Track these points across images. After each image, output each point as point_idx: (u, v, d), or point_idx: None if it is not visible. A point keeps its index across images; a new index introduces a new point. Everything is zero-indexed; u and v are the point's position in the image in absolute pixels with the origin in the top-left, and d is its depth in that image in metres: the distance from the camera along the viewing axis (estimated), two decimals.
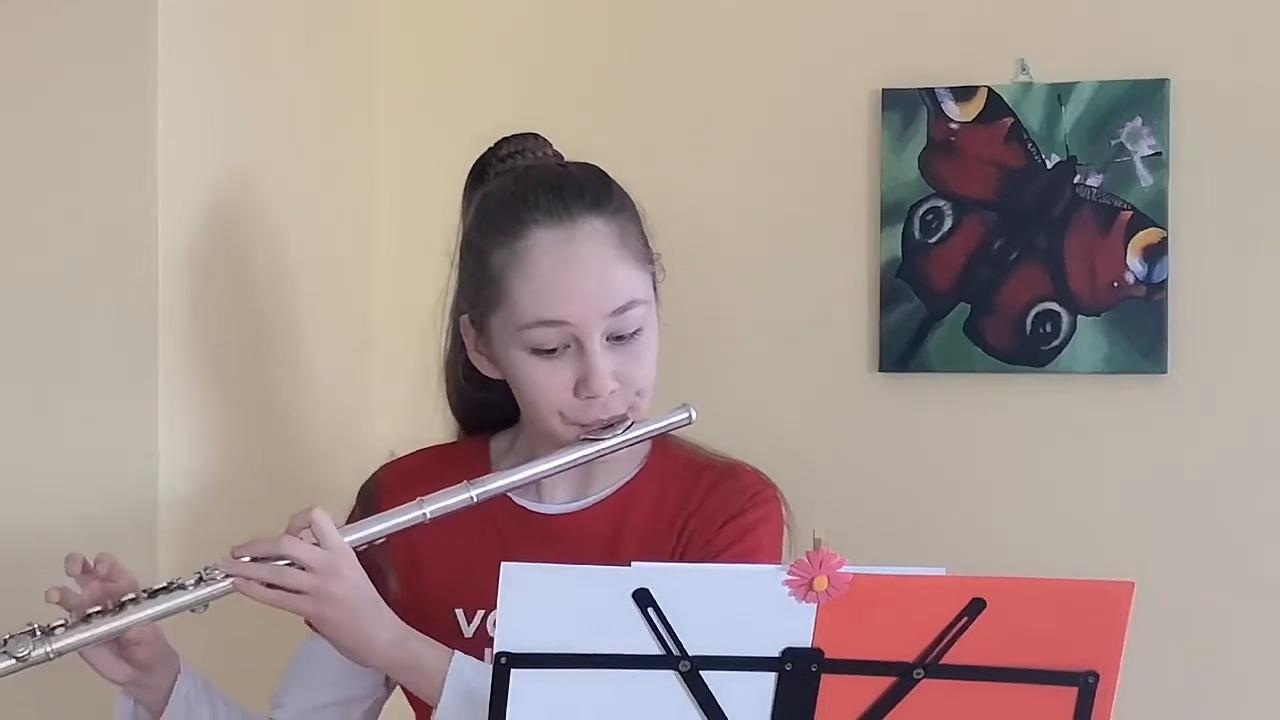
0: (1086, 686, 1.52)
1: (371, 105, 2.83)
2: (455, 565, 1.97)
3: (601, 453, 1.93)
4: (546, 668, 1.50)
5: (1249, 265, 2.60)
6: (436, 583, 1.98)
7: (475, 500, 1.90)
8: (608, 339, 1.91)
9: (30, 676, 1.87)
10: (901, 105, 2.69)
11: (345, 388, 2.72)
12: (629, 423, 1.93)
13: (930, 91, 2.68)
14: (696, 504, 1.98)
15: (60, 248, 2.29)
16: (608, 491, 2.01)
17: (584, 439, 1.92)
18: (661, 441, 2.02)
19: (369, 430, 2.77)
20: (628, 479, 2.01)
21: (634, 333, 1.92)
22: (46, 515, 2.28)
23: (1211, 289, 2.61)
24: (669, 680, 1.52)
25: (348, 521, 2.01)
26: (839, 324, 2.73)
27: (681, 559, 1.94)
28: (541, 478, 1.95)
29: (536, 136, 2.04)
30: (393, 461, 2.09)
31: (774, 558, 1.94)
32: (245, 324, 2.46)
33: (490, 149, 2.05)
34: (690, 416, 1.95)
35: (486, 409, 2.06)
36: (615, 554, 1.93)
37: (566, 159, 2.03)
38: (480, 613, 1.97)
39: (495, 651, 1.50)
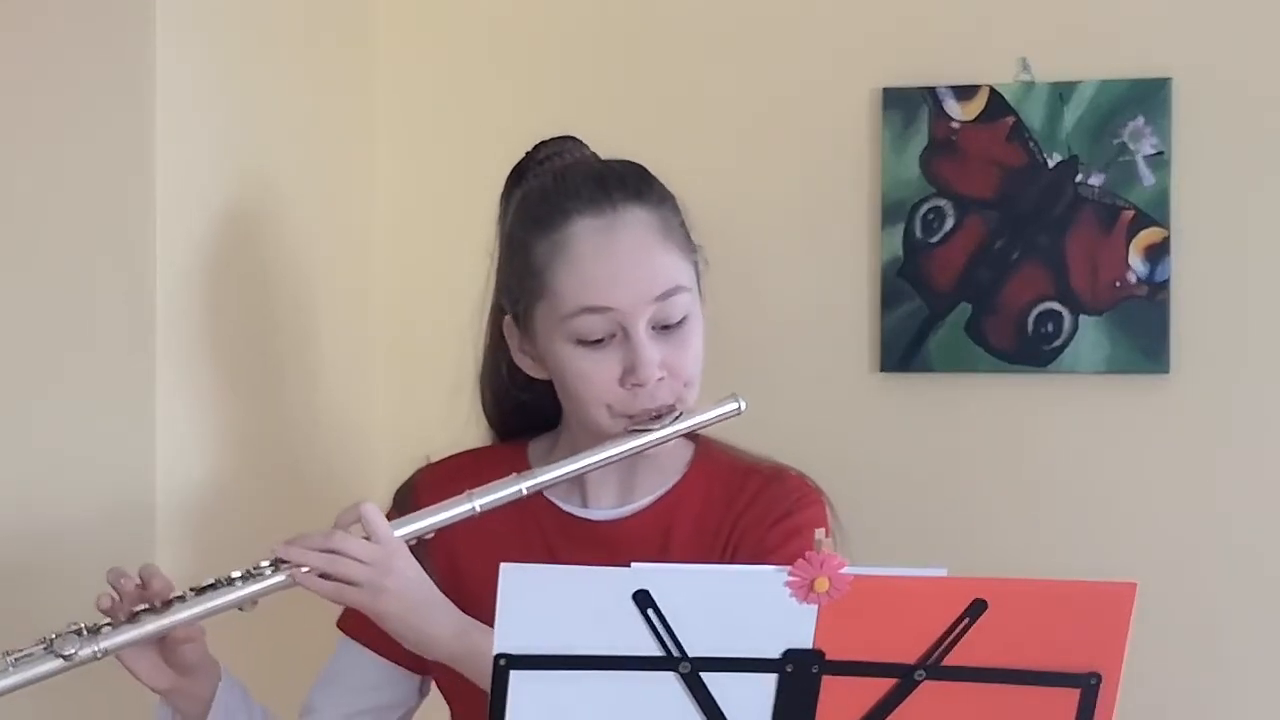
0: (1089, 688, 1.51)
1: (371, 106, 2.82)
2: (497, 570, 1.95)
3: (652, 444, 1.90)
4: (546, 669, 1.50)
5: (1251, 265, 2.60)
6: (477, 587, 1.95)
7: (525, 493, 1.88)
8: (653, 327, 1.89)
9: (65, 684, 1.85)
10: (902, 104, 2.68)
11: (345, 389, 2.71)
12: (677, 414, 1.91)
13: (931, 90, 2.68)
14: (744, 507, 1.96)
15: (58, 250, 2.28)
16: (653, 496, 1.99)
17: (632, 430, 1.90)
18: (704, 444, 2.01)
19: (369, 432, 2.77)
20: (673, 483, 2.00)
21: (680, 321, 1.90)
22: (44, 518, 2.28)
23: (1214, 289, 2.60)
24: (669, 682, 1.51)
25: None
26: (840, 324, 2.72)
27: (732, 562, 1.92)
28: (592, 469, 1.92)
29: (574, 139, 2.03)
30: (431, 464, 2.07)
31: None
32: (243, 326, 2.46)
33: (528, 153, 2.03)
34: (740, 407, 1.93)
35: (524, 414, 2.05)
36: (664, 559, 1.92)
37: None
38: None
39: (494, 653, 1.50)
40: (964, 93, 2.67)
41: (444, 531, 1.91)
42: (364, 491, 2.64)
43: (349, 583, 1.83)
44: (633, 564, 1.50)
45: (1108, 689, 1.51)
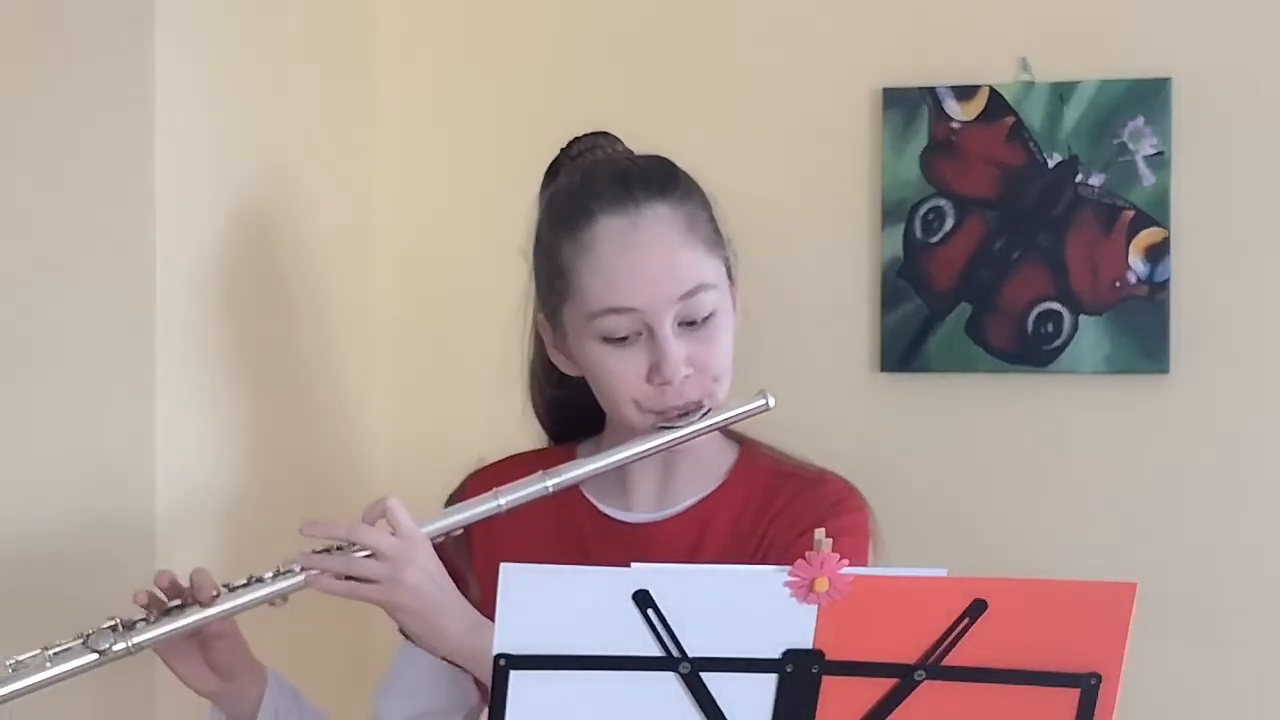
0: (1089, 688, 1.51)
1: (371, 107, 2.82)
2: None
3: (679, 440, 1.90)
4: (546, 669, 1.50)
5: (1251, 265, 2.60)
6: None
7: (551, 490, 1.88)
8: (679, 324, 1.89)
9: (120, 691, 1.83)
10: (902, 104, 2.68)
11: (346, 388, 2.71)
12: (705, 410, 1.91)
13: (931, 90, 2.67)
14: (778, 511, 1.96)
15: (58, 250, 2.28)
16: (693, 500, 1.99)
17: (660, 427, 1.90)
18: (748, 448, 2.01)
19: (370, 435, 2.76)
20: (714, 488, 1.99)
21: (706, 318, 1.91)
22: (44, 520, 2.28)
23: (1214, 289, 2.60)
24: (669, 682, 1.51)
25: None
26: (840, 324, 2.72)
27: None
28: (618, 465, 1.92)
29: (607, 134, 2.03)
30: (481, 469, 2.06)
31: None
32: (244, 329, 2.45)
33: (563, 149, 2.03)
34: (768, 403, 1.93)
35: (572, 415, 2.04)
36: (695, 563, 1.90)
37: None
38: None
39: (494, 653, 1.50)
40: (964, 93, 2.67)
41: (486, 531, 1.92)
42: (363, 492, 2.64)
43: (368, 580, 1.83)
44: (633, 564, 1.50)
45: (1108, 689, 1.51)
